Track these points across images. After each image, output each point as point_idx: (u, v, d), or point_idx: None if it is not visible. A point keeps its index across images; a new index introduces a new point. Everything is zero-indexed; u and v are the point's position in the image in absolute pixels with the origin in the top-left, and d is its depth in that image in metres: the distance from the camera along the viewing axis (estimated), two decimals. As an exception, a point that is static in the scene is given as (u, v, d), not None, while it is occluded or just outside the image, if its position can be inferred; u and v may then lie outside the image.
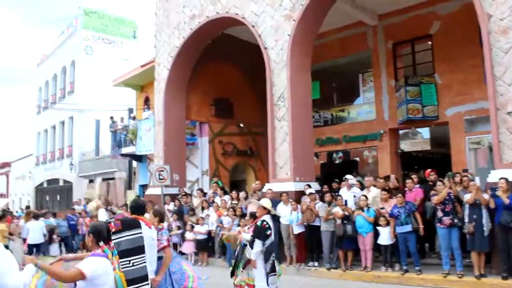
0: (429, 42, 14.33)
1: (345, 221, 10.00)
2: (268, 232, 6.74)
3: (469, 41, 12.53)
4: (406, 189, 10.28)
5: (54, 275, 3.68)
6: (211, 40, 15.72)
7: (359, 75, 16.38)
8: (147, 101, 21.80)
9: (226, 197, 13.32)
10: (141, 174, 21.47)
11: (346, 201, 10.40)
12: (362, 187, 11.42)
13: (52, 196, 33.16)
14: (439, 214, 8.81)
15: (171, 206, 14.11)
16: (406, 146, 15.72)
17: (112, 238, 4.44)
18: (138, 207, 5.41)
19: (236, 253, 7.61)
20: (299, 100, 12.19)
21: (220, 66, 17.45)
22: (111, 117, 22.16)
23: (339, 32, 15.83)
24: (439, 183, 9.05)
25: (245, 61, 16.97)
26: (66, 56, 31.91)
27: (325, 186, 12.02)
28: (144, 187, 20.22)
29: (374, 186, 10.77)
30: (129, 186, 22.83)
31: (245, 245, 7.11)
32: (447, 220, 8.68)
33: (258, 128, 17.67)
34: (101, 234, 3.96)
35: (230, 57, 17.41)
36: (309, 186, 11.34)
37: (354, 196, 10.75)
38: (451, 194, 8.86)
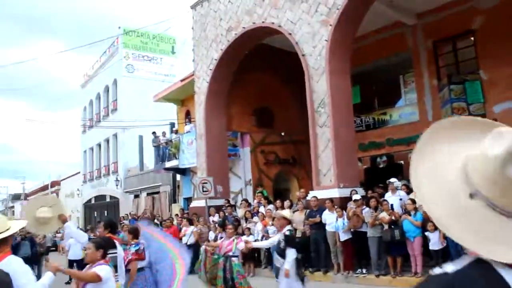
0: (472, 38, 13.94)
1: (392, 226, 9.76)
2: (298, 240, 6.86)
3: (514, 34, 12.10)
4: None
5: (75, 275, 5.01)
6: (248, 51, 15.79)
7: (400, 77, 16.08)
8: (188, 114, 22.06)
9: (271, 206, 13.25)
10: (185, 187, 21.68)
11: (392, 205, 10.16)
12: (409, 190, 11.13)
13: (100, 212, 33.91)
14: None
15: (216, 218, 14.15)
16: (452, 146, 15.24)
17: None
18: (113, 226, 5.95)
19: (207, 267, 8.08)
20: (339, 106, 12.05)
21: (259, 76, 17.48)
22: (154, 132, 22.52)
23: (378, 34, 15.59)
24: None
25: (284, 69, 16.94)
26: (109, 75, 32.77)
27: (370, 191, 11.80)
28: (188, 200, 20.39)
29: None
30: (173, 199, 23.08)
31: (227, 257, 7.65)
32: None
33: (300, 136, 17.55)
34: (106, 249, 4.70)
35: (269, 67, 17.41)
36: (356, 192, 11.16)
37: (400, 199, 10.49)
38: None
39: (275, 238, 7.44)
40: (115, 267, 5.21)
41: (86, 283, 4.43)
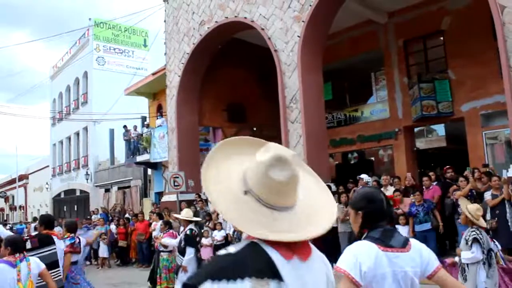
0: (441, 38, 14.17)
1: (363, 222, 9.88)
2: (198, 239, 7.52)
3: (482, 34, 12.34)
4: (423, 187, 10.15)
5: None
6: (221, 46, 15.73)
7: (371, 74, 16.27)
8: (159, 108, 21.89)
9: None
10: (156, 181, 21.52)
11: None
12: (379, 186, 11.28)
13: (70, 206, 33.41)
14: (460, 210, 8.67)
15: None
16: (421, 143, 15.54)
17: (30, 255, 4.91)
18: (49, 222, 5.95)
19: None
20: (311, 102, 12.11)
21: (231, 71, 17.44)
22: (125, 126, 22.27)
23: (349, 32, 15.70)
24: (461, 178, 8.91)
25: (256, 64, 16.94)
26: (79, 67, 32.19)
27: (341, 187, 11.92)
28: (159, 194, 20.26)
29: (391, 185, 10.65)
30: (144, 194, 22.89)
31: (160, 251, 8.23)
32: (467, 216, 8.54)
33: (272, 131, 17.54)
34: (17, 247, 4.62)
35: (241, 62, 17.38)
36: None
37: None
38: (472, 190, 8.72)
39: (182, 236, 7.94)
40: (54, 263, 5.34)
41: None
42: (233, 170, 1.56)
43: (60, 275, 5.43)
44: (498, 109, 12.10)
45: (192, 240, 7.44)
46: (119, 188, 26.09)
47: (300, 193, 1.56)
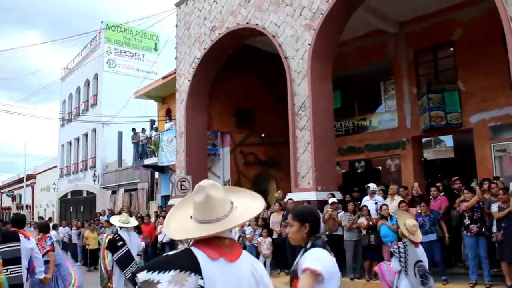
0: (451, 49, 14.18)
1: (369, 231, 9.90)
2: (119, 244, 7.64)
3: (493, 46, 12.34)
4: (430, 197, 10.14)
5: None
6: (232, 51, 15.80)
7: (380, 84, 16.26)
8: (168, 112, 22.00)
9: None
10: (163, 185, 21.59)
11: (369, 210, 10.31)
12: (386, 195, 11.28)
13: (76, 207, 33.57)
14: (466, 221, 8.67)
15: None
16: (429, 154, 15.52)
17: None
18: (18, 221, 6.34)
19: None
20: (320, 109, 12.15)
21: (241, 77, 17.50)
22: (133, 129, 22.39)
23: (360, 41, 15.74)
24: (466, 191, 8.89)
25: (266, 71, 16.98)
26: (89, 69, 32.45)
27: (348, 196, 11.94)
28: (166, 197, 20.32)
29: (398, 194, 10.65)
30: (151, 197, 22.98)
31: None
32: (474, 228, 8.53)
33: (280, 138, 17.63)
34: None
35: (252, 68, 17.44)
36: (333, 195, 11.27)
37: (375, 203, 10.64)
38: (480, 202, 8.71)
39: None
40: (15, 259, 5.72)
41: None
42: (187, 213, 2.20)
43: (20, 272, 5.73)
44: (507, 121, 12.10)
45: (111, 245, 7.88)
46: (126, 191, 26.21)
47: (237, 204, 2.20)
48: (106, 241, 8.45)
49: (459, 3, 13.33)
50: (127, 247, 7.69)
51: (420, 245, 5.78)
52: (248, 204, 2.25)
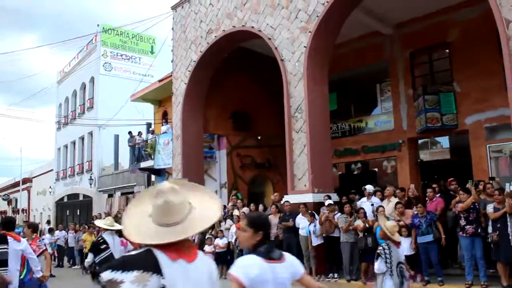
0: (447, 50, 14.24)
1: (366, 233, 9.90)
2: (102, 247, 7.69)
3: (488, 48, 12.40)
4: (426, 198, 10.16)
5: None
6: (228, 54, 15.83)
7: (376, 85, 16.30)
8: (165, 115, 21.98)
9: (245, 210, 13.29)
10: (159, 188, 21.50)
11: (365, 213, 10.31)
12: (383, 197, 11.29)
13: (73, 210, 33.47)
14: (462, 222, 8.68)
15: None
16: (425, 155, 15.56)
17: None
18: (7, 224, 6.45)
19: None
20: (316, 112, 12.17)
21: (237, 79, 17.53)
22: (130, 132, 22.35)
23: (356, 43, 15.78)
24: (461, 192, 8.91)
25: (263, 74, 17.00)
26: (86, 72, 32.38)
27: (344, 197, 11.95)
28: (163, 200, 20.23)
29: (394, 196, 10.66)
30: (148, 200, 22.87)
31: None
32: (470, 229, 8.55)
33: (276, 140, 17.62)
34: None
35: (248, 71, 17.47)
36: (329, 197, 11.28)
37: (372, 205, 10.65)
38: (475, 203, 8.73)
39: None
40: (2, 262, 5.85)
41: None
42: (146, 209, 2.23)
43: (5, 274, 5.84)
44: (502, 122, 12.11)
45: (93, 246, 8.05)
46: (122, 194, 26.15)
47: (195, 204, 2.26)
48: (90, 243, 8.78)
49: (455, 5, 13.38)
50: (109, 250, 7.69)
51: (400, 246, 5.91)
52: (207, 208, 2.31)
